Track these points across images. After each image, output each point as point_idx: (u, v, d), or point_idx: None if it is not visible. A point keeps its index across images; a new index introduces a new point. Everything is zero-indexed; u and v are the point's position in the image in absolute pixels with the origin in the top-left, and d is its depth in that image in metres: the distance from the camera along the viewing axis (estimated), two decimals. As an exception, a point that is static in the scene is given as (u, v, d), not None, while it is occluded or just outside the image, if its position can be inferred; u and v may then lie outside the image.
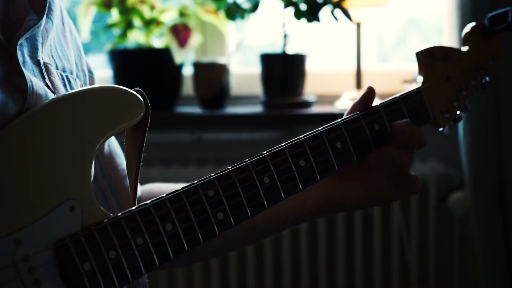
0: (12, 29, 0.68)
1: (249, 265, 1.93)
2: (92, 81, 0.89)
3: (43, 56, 0.71)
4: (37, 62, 0.70)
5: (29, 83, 0.65)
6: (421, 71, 0.89)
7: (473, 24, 0.94)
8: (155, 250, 0.65)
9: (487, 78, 0.93)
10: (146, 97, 0.69)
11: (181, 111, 1.89)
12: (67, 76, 0.77)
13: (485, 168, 1.68)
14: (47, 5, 0.70)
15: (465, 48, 0.93)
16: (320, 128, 0.79)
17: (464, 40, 0.93)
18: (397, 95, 0.86)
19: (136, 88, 0.69)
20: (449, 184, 1.88)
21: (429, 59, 0.89)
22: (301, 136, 0.78)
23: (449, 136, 1.71)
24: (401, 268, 1.91)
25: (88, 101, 0.66)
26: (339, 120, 0.81)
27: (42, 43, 0.72)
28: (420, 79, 0.89)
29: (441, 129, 0.91)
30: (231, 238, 0.92)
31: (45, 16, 0.70)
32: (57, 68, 0.75)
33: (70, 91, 0.70)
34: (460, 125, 1.64)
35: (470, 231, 1.79)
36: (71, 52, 0.81)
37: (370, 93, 0.85)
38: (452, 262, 1.91)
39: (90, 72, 0.88)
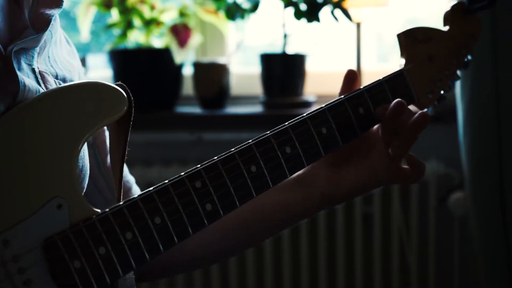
0: (8, 38, 0.69)
1: (249, 265, 1.93)
2: None
3: (38, 66, 0.72)
4: (32, 70, 0.70)
5: (21, 86, 0.65)
6: (403, 53, 0.89)
7: (453, 3, 0.94)
8: (144, 244, 0.65)
9: (469, 57, 0.94)
10: (129, 91, 0.68)
11: (181, 111, 1.89)
12: None
13: (485, 168, 1.68)
14: (50, 24, 0.71)
15: (446, 28, 0.93)
16: (305, 114, 0.79)
17: (445, 20, 0.94)
18: (381, 78, 0.86)
19: (118, 83, 0.68)
20: (449, 184, 1.88)
21: (411, 40, 0.89)
22: (286, 123, 0.77)
23: (449, 136, 1.72)
24: (401, 268, 1.91)
25: (70, 98, 0.66)
26: (323, 105, 0.80)
27: (39, 53, 0.72)
28: (403, 61, 0.89)
29: (425, 110, 0.91)
30: (236, 239, 0.91)
31: (46, 32, 0.70)
32: (56, 77, 0.75)
33: (50, 89, 0.70)
34: (460, 125, 1.65)
35: (470, 231, 1.78)
36: (72, 65, 0.81)
37: (350, 74, 0.85)
38: (452, 262, 1.91)
39: None
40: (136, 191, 0.92)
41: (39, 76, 0.71)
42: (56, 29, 0.78)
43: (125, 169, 0.88)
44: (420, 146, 0.84)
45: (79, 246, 0.62)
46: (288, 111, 1.81)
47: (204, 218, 0.69)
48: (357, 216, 1.89)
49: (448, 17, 0.93)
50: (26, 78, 0.67)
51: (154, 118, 1.83)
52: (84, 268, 0.62)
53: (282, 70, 1.84)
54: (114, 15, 1.87)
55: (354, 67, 1.84)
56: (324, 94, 2.00)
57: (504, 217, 1.71)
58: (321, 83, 2.01)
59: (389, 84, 0.85)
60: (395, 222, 1.89)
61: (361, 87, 0.84)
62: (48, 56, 0.75)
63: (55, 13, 0.73)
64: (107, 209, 0.64)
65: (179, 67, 1.89)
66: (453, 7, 0.93)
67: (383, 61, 2.17)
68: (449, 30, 0.93)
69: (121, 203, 0.65)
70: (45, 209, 0.62)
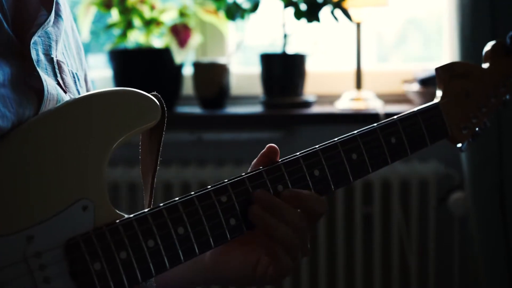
0: (24, 27, 0.68)
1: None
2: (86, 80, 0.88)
3: (56, 54, 0.71)
4: (50, 60, 0.70)
5: (45, 85, 0.65)
6: (440, 86, 0.89)
7: (493, 42, 0.94)
8: (166, 252, 0.66)
9: (507, 96, 0.93)
10: (163, 101, 0.69)
11: (181, 111, 1.89)
12: (76, 74, 0.77)
13: (485, 168, 1.69)
14: (54, 0, 0.70)
15: (485, 65, 0.93)
16: (336, 139, 0.79)
17: (485, 58, 0.94)
18: (415, 109, 0.86)
19: (153, 93, 0.69)
20: (449, 184, 1.88)
21: (448, 74, 0.89)
22: (317, 146, 0.78)
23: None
24: (401, 268, 1.91)
25: (105, 103, 0.67)
26: (355, 132, 0.81)
27: (56, 41, 0.71)
28: (439, 93, 0.89)
29: (459, 145, 0.91)
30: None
31: (53, 11, 0.69)
32: (67, 66, 0.75)
33: (88, 93, 0.70)
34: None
35: (470, 231, 1.79)
36: (73, 49, 0.81)
37: (271, 152, 0.76)
38: (452, 262, 1.91)
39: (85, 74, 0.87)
40: None
41: (56, 66, 0.71)
42: (66, 15, 0.76)
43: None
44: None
45: (100, 248, 0.62)
46: (288, 111, 1.81)
47: (227, 233, 0.70)
48: (357, 216, 1.89)
49: (489, 55, 0.93)
50: (45, 75, 0.67)
51: (154, 118, 1.82)
52: (104, 270, 0.62)
53: (282, 70, 1.84)
54: (114, 15, 1.87)
55: (354, 67, 1.85)
56: (324, 94, 2.00)
57: (504, 217, 1.71)
58: (321, 83, 2.01)
59: (423, 116, 0.85)
60: (395, 222, 1.89)
61: (395, 117, 0.84)
62: (63, 42, 0.74)
63: None
64: (132, 215, 0.65)
65: (179, 67, 1.88)
66: (494, 45, 0.93)
67: (383, 61, 2.17)
68: (488, 67, 0.92)
69: (146, 210, 0.66)
70: (71, 209, 0.63)
